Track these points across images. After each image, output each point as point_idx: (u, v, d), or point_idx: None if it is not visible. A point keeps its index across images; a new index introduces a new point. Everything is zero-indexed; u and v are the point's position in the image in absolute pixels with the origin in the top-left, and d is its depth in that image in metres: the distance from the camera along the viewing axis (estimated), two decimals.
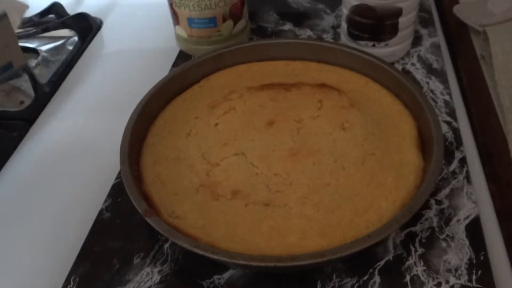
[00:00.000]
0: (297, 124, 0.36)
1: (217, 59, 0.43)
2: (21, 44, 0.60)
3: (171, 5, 0.47)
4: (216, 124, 0.37)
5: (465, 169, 0.35)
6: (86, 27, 0.61)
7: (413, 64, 0.46)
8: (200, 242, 0.28)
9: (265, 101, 0.38)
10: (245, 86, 0.40)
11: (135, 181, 0.32)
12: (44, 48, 0.60)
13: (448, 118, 0.40)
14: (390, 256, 0.30)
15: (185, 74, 0.42)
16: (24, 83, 0.54)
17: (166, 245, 0.32)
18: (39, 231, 0.36)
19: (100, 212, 0.35)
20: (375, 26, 0.43)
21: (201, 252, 0.27)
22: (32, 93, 0.50)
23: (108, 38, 0.60)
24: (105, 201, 0.36)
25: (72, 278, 0.31)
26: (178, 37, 0.50)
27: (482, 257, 0.30)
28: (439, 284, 0.29)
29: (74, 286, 0.30)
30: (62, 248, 0.33)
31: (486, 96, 0.44)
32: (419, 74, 0.44)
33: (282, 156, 0.33)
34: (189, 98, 0.41)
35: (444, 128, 0.39)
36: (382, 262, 0.30)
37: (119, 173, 0.37)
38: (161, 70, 0.49)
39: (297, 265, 0.26)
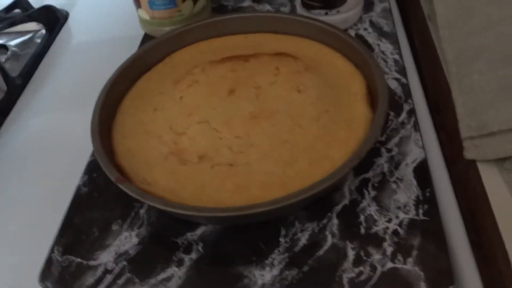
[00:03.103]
0: (256, 91, 0.38)
1: (178, 38, 0.45)
2: None
3: None
4: (181, 97, 0.39)
5: (412, 119, 0.38)
6: (53, 19, 0.62)
7: (365, 29, 0.48)
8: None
9: (226, 72, 0.40)
10: (207, 61, 0.42)
11: (106, 154, 0.34)
12: (13, 43, 0.61)
13: (398, 75, 0.43)
14: (346, 201, 0.33)
15: (149, 54, 0.44)
16: None
17: (142, 211, 0.35)
18: (22, 210, 0.38)
19: (78, 188, 0.37)
20: None
21: (172, 210, 0.29)
22: (3, 87, 0.52)
23: (75, 29, 0.61)
24: (82, 177, 0.38)
25: (55, 248, 0.33)
26: (141, 20, 0.52)
27: (428, 194, 0.33)
28: (389, 220, 0.32)
29: (59, 255, 0.32)
30: (45, 223, 0.35)
31: (434, 53, 0.47)
32: (371, 37, 0.47)
33: (243, 120, 0.36)
34: (154, 76, 0.43)
35: (394, 84, 0.42)
36: (339, 207, 0.33)
37: (93, 152, 0.39)
38: (130, 54, 0.50)
39: (259, 212, 0.29)
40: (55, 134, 0.46)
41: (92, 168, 0.38)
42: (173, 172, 0.34)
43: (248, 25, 0.46)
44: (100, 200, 0.36)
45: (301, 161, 0.33)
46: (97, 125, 0.36)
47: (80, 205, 0.36)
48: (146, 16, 0.50)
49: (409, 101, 0.40)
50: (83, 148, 0.41)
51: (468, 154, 0.35)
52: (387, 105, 0.34)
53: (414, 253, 0.30)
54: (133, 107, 0.40)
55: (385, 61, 0.44)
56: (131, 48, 0.53)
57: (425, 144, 0.37)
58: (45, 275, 0.31)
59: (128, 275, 0.31)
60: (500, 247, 0.31)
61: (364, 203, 0.33)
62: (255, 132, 0.35)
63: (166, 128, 0.37)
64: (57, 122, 0.47)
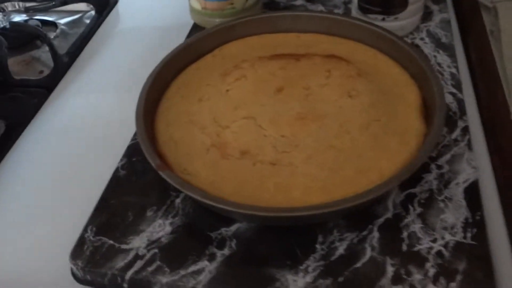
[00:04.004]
0: (305, 91, 0.37)
1: (230, 30, 0.44)
2: (40, 17, 0.62)
3: None
4: (228, 90, 0.38)
5: (467, 137, 0.36)
6: (103, 1, 0.63)
7: (422, 39, 0.46)
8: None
9: (276, 70, 0.39)
10: (256, 56, 0.42)
11: (149, 140, 0.34)
12: (63, 21, 0.62)
13: (453, 90, 0.41)
14: (389, 214, 0.32)
15: (199, 44, 0.43)
16: (43, 54, 0.56)
17: (178, 200, 0.34)
18: (59, 188, 0.38)
19: (116, 170, 0.37)
20: None
21: (211, 203, 0.29)
22: (51, 64, 0.53)
23: (124, 13, 0.62)
24: (121, 160, 0.38)
25: (89, 228, 0.33)
26: (192, 10, 0.52)
27: (478, 217, 0.31)
28: (434, 240, 0.30)
29: (92, 235, 0.32)
30: (81, 202, 0.36)
31: (493, 70, 0.44)
32: (427, 48, 0.45)
33: (290, 120, 0.35)
34: (202, 66, 0.42)
35: (449, 98, 0.40)
36: (381, 219, 0.32)
37: (134, 135, 0.39)
38: (176, 43, 0.50)
39: (299, 216, 0.28)
40: (97, 113, 0.46)
41: (132, 151, 0.38)
42: (214, 165, 0.33)
43: (300, 24, 0.45)
44: (137, 185, 0.36)
45: (347, 168, 0.32)
46: (142, 109, 0.36)
47: (117, 187, 0.36)
48: (197, 6, 0.50)
49: (464, 118, 0.38)
50: (123, 130, 0.41)
51: None
52: (444, 120, 0.32)
53: (458, 277, 0.28)
54: (179, 95, 0.40)
55: (441, 74, 0.42)
56: (178, 36, 0.53)
57: (477, 165, 0.35)
58: (76, 253, 0.31)
59: (158, 263, 0.30)
60: None
61: (408, 219, 0.31)
62: (302, 134, 0.34)
63: (210, 119, 0.36)
64: (100, 103, 0.47)
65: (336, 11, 0.52)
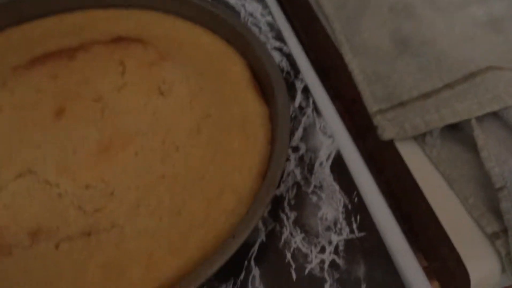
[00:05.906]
0: (98, 104, 0.26)
1: None
2: None
3: None
4: None
5: (311, 100, 0.31)
6: None
7: None
8: None
9: (43, 83, 0.27)
10: (7, 67, 0.28)
11: None
12: None
13: (277, 44, 0.34)
14: (262, 236, 0.25)
15: None
16: None
17: None
18: None
19: None
20: None
21: None
22: None
23: None
24: None
25: None
26: None
27: (355, 198, 0.26)
28: (323, 249, 0.24)
29: None
30: None
31: (306, 6, 0.39)
32: None
33: (90, 157, 0.24)
34: None
35: (277, 56, 0.33)
36: (255, 247, 0.24)
37: None
38: None
39: None
40: None
41: None
42: None
43: (59, 1, 0.32)
44: None
45: (191, 202, 0.23)
46: None
47: None
48: None
49: (299, 76, 0.32)
50: None
51: (384, 134, 0.29)
52: (287, 100, 0.25)
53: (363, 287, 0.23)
54: None
55: (258, 27, 0.35)
56: None
57: (332, 131, 0.30)
58: None
59: None
60: (440, 237, 0.26)
61: (285, 234, 0.25)
62: (113, 173, 0.23)
63: None
64: None
65: None
